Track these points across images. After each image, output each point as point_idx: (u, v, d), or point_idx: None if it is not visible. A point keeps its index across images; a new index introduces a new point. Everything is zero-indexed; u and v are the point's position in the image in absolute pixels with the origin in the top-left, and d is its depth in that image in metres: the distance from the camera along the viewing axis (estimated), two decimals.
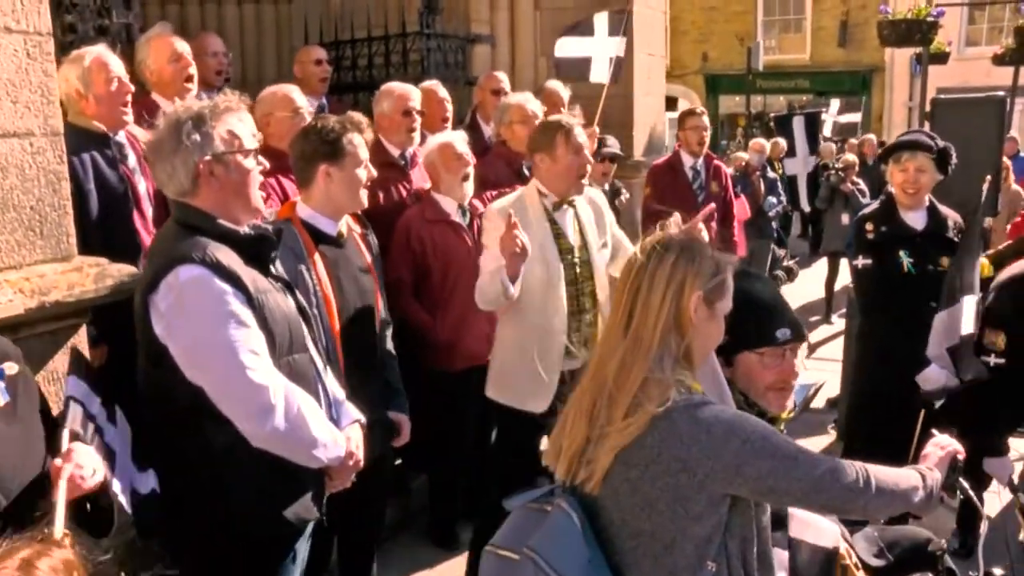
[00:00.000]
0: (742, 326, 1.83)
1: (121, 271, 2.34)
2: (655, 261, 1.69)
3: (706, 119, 5.57)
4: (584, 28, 5.17)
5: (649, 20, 6.37)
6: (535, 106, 4.17)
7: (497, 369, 3.16)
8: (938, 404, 3.26)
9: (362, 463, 2.23)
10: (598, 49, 5.13)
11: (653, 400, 1.60)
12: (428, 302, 3.53)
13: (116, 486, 1.81)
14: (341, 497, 2.27)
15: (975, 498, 2.00)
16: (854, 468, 1.65)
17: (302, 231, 2.60)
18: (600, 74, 5.16)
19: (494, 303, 2.96)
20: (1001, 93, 6.00)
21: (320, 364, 2.20)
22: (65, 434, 1.69)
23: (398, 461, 3.60)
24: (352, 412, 2.27)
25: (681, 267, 1.68)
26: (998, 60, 13.83)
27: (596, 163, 4.56)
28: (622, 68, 5.31)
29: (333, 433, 2.08)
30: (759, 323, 1.90)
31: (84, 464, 1.63)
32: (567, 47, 5.20)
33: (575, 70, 5.18)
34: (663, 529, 1.61)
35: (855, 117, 13.04)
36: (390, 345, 2.93)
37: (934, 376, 3.27)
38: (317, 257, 2.60)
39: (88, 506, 1.69)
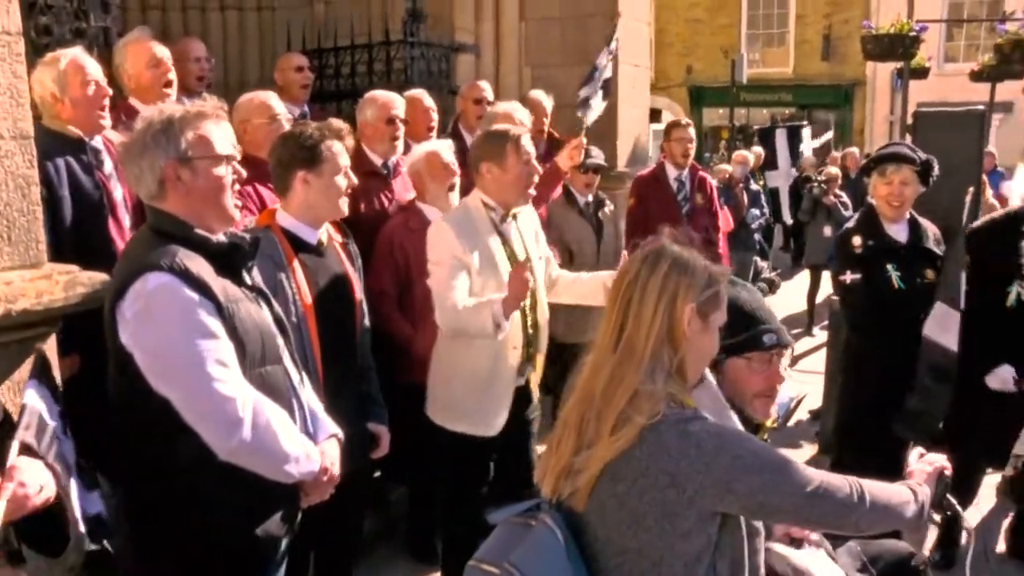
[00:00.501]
0: (730, 332, 1.83)
1: (92, 279, 2.27)
2: (647, 272, 1.66)
3: (692, 131, 5.57)
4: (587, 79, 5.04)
5: (634, 32, 6.38)
6: (523, 115, 4.14)
7: (443, 392, 3.00)
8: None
9: (338, 478, 2.18)
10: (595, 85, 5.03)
11: (643, 413, 1.57)
12: (410, 314, 3.47)
13: (73, 499, 1.74)
14: (317, 511, 2.21)
15: (962, 513, 1.99)
16: (847, 483, 1.63)
17: (282, 239, 2.56)
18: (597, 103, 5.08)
19: (474, 336, 2.77)
20: (981, 107, 6.05)
21: (296, 376, 2.15)
22: (14, 447, 1.61)
23: (377, 473, 3.55)
24: (329, 426, 2.22)
25: (674, 278, 1.65)
26: (975, 76, 14.09)
27: (580, 174, 4.55)
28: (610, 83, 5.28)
29: (306, 447, 2.03)
30: (746, 329, 1.91)
31: (28, 482, 1.55)
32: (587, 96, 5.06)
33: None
34: (650, 546, 1.57)
35: (827, 136, 13.28)
36: (370, 356, 2.87)
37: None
38: (296, 265, 2.55)
39: (40, 523, 1.61)
